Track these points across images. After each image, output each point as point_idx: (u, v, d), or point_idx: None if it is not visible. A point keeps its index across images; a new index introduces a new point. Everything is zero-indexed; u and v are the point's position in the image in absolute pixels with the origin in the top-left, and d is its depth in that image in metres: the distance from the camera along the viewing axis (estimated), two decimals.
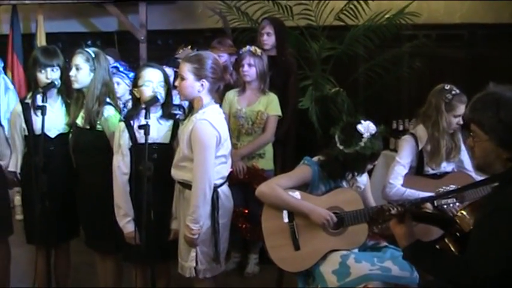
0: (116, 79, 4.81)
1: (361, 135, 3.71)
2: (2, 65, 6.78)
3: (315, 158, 3.89)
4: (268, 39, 5.42)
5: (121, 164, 3.92)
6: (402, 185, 4.28)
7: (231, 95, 5.03)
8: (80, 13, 7.72)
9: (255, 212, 4.23)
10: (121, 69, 4.91)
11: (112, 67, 4.86)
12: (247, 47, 5.01)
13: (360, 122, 3.75)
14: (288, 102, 5.36)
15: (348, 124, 3.83)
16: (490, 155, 2.66)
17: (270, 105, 4.95)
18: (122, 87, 4.86)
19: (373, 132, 3.73)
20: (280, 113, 5.00)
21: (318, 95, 6.30)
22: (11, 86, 6.70)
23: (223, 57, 5.33)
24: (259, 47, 5.11)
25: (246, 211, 4.93)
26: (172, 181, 3.87)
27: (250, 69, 4.91)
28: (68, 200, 4.27)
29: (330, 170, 3.82)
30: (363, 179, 4.00)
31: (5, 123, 4.53)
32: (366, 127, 3.72)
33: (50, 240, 4.22)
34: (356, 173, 3.88)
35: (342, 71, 6.62)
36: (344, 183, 3.89)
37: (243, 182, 4.88)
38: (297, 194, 3.78)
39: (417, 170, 4.40)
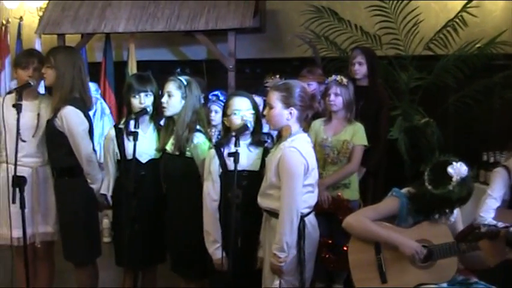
0: (214, 107, 4.86)
1: (450, 178, 3.57)
2: (100, 91, 7.04)
3: (404, 190, 3.82)
4: (360, 68, 5.41)
5: (211, 190, 3.97)
6: (494, 219, 4.16)
7: (317, 124, 5.00)
8: (170, 42, 7.94)
9: (339, 243, 4.18)
10: (221, 97, 4.94)
11: (212, 95, 4.92)
12: (333, 76, 4.96)
13: (451, 163, 3.60)
14: (379, 133, 5.30)
15: (439, 164, 3.68)
16: None
17: (356, 135, 4.88)
18: (219, 115, 4.85)
19: (464, 175, 3.57)
20: (366, 143, 4.92)
21: (407, 125, 6.22)
22: (107, 111, 6.96)
23: (313, 86, 5.35)
24: (349, 76, 5.10)
25: (330, 241, 4.88)
26: (260, 209, 3.86)
27: (337, 99, 4.86)
28: (156, 224, 4.36)
29: (417, 205, 3.74)
30: (454, 212, 3.87)
31: (98, 147, 4.65)
32: (457, 170, 3.57)
33: (138, 264, 4.30)
34: (442, 214, 3.74)
35: (431, 101, 6.51)
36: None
37: (328, 212, 4.82)
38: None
39: (510, 204, 4.27)
